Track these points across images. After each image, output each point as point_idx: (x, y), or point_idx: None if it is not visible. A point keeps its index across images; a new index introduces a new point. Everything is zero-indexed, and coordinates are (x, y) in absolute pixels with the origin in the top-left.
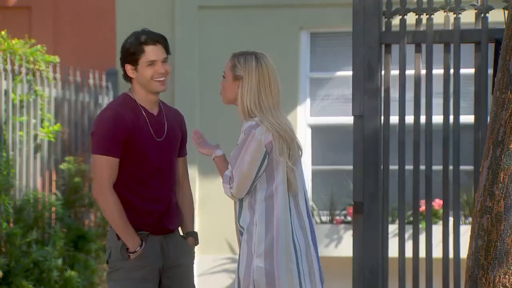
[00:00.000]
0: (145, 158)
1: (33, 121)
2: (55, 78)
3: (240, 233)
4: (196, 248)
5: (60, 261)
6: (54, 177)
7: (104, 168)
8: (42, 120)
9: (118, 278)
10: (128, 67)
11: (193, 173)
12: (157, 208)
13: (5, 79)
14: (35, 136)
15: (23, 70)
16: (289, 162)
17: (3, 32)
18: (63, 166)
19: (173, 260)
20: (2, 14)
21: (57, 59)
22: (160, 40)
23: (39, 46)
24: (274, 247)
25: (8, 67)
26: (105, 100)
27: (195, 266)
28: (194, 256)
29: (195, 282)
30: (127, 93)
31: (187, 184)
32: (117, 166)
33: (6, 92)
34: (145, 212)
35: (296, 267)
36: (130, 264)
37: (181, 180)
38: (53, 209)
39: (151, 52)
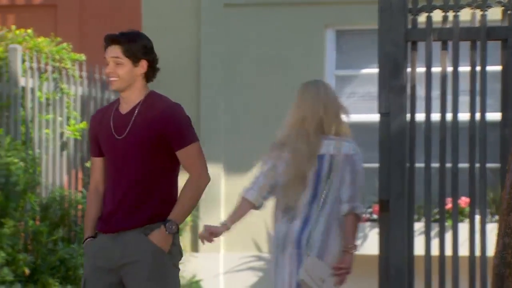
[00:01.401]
0: (107, 157)
1: (59, 119)
2: (81, 76)
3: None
4: (222, 246)
5: None
6: (80, 175)
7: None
8: (68, 118)
9: None
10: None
11: (218, 170)
12: (107, 208)
13: (32, 77)
14: (61, 134)
15: (49, 68)
16: None
17: (29, 31)
18: (88, 164)
19: (119, 259)
20: (28, 13)
21: (83, 57)
22: (116, 40)
23: (65, 44)
24: None
25: (34, 65)
26: None
27: (221, 263)
28: (156, 250)
29: (221, 279)
30: None
31: (190, 175)
32: (99, 164)
33: (33, 90)
34: (101, 210)
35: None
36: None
37: (187, 171)
38: (79, 206)
39: (107, 51)
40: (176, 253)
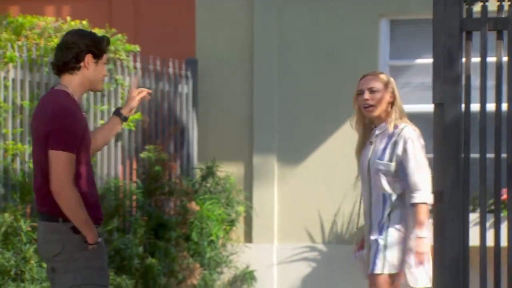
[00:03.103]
0: (87, 152)
1: (113, 110)
2: (135, 67)
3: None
4: (276, 237)
5: (140, 249)
6: (134, 165)
7: (67, 164)
8: None
9: (77, 268)
10: (90, 57)
11: (271, 162)
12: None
13: None
14: None
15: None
16: None
17: (84, 22)
18: (143, 154)
19: None
20: (83, 4)
21: (137, 48)
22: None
23: (119, 36)
24: None
25: None
26: (185, 89)
27: (274, 254)
28: None
29: (274, 270)
30: (62, 88)
31: None
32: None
33: None
34: (98, 204)
35: None
36: (88, 254)
37: None
38: (134, 197)
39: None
40: None
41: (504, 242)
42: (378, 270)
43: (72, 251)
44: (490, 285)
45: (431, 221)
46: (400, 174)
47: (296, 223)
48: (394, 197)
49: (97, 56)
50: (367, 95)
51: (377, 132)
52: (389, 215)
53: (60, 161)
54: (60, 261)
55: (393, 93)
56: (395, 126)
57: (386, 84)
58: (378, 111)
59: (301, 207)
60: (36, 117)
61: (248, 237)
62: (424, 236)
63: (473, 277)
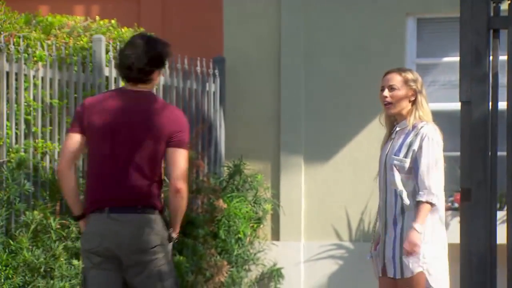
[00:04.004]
0: None
1: None
2: None
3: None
4: (303, 234)
5: None
6: (162, 164)
7: None
8: None
9: (169, 260)
10: (157, 72)
11: (298, 160)
12: None
13: (115, 67)
14: None
15: None
16: None
17: (113, 21)
18: None
19: None
20: (112, 3)
21: None
22: None
23: None
24: None
25: None
26: (212, 87)
27: (301, 252)
28: None
29: (301, 268)
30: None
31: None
32: None
33: (116, 80)
34: None
35: None
36: (170, 245)
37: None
38: (162, 195)
39: None
40: None
41: None
42: (397, 275)
43: (167, 243)
44: None
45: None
46: (413, 171)
47: (323, 220)
48: (405, 195)
49: (162, 68)
50: (386, 92)
51: (397, 129)
52: (402, 214)
53: (185, 159)
54: (159, 252)
55: (415, 91)
56: (415, 124)
57: (407, 82)
58: (396, 109)
59: (328, 204)
60: (139, 119)
61: (275, 235)
62: (420, 231)
63: (500, 275)
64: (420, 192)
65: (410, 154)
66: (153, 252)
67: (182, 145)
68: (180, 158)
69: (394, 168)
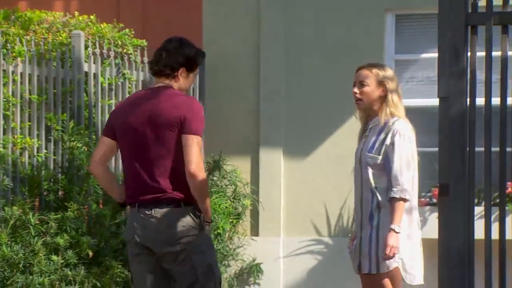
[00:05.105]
0: None
1: None
2: (142, 62)
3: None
4: (282, 230)
5: None
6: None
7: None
8: None
9: (205, 248)
10: (183, 71)
11: (278, 155)
12: None
13: (94, 62)
14: None
15: (112, 54)
16: None
17: (92, 17)
18: None
19: None
20: None
21: (144, 42)
22: None
23: (127, 30)
24: None
25: (97, 51)
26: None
27: (280, 247)
28: None
29: (281, 263)
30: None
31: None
32: None
33: (95, 76)
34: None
35: None
36: (206, 234)
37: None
38: None
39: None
40: None
41: (509, 235)
42: (373, 270)
43: (198, 233)
44: (495, 278)
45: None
46: (386, 167)
47: (302, 216)
48: (380, 192)
49: (190, 70)
50: (356, 88)
51: (370, 125)
52: (378, 210)
53: (197, 144)
54: (189, 243)
55: (385, 87)
56: (386, 120)
57: (378, 78)
58: (366, 105)
59: (308, 200)
60: (154, 114)
61: (255, 230)
62: (398, 231)
63: (478, 270)
64: (393, 189)
65: (382, 150)
66: (182, 243)
67: (192, 131)
68: (190, 143)
69: (368, 165)
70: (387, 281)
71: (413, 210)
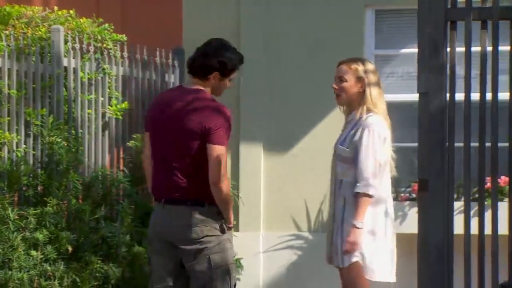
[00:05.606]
0: None
1: (101, 99)
2: (122, 57)
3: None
4: (262, 225)
5: (128, 237)
6: (121, 154)
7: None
8: (109, 98)
9: (223, 248)
10: (216, 75)
11: (258, 150)
12: None
13: (74, 57)
14: (103, 114)
15: (91, 48)
16: None
17: (71, 11)
18: (130, 143)
19: None
20: None
21: (124, 37)
22: None
23: (106, 25)
24: None
25: (77, 45)
26: (172, 78)
27: (260, 242)
28: None
29: (261, 258)
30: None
31: None
32: None
33: (75, 71)
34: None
35: None
36: (226, 235)
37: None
38: (121, 185)
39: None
40: None
41: (488, 230)
42: (340, 263)
43: (219, 234)
44: (474, 273)
45: (414, 209)
46: (354, 162)
47: (282, 211)
48: (345, 186)
49: (225, 75)
50: (335, 83)
51: (348, 119)
52: (344, 206)
53: (221, 153)
54: (208, 243)
55: (363, 82)
56: (361, 115)
57: (356, 74)
58: (344, 100)
59: (287, 195)
60: (180, 116)
61: (235, 226)
62: (359, 227)
63: (457, 265)
64: (357, 184)
65: (352, 144)
66: (201, 242)
67: (215, 141)
68: (213, 153)
69: (340, 159)
70: (353, 275)
71: (379, 206)
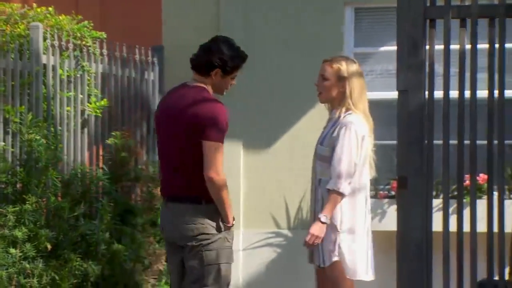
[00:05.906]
0: None
1: (80, 96)
2: (102, 54)
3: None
4: (241, 223)
5: (107, 235)
6: (100, 152)
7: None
8: (89, 96)
9: (219, 246)
10: (218, 72)
11: (237, 147)
12: None
13: (53, 54)
14: (82, 111)
15: (70, 46)
16: None
17: (50, 8)
18: (109, 141)
19: None
20: None
21: (103, 35)
22: None
23: (86, 22)
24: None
25: (56, 42)
26: (151, 76)
27: (240, 240)
28: None
29: (240, 255)
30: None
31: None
32: None
33: (54, 68)
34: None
35: None
36: (222, 234)
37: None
38: (100, 183)
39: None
40: None
41: (467, 228)
42: (321, 263)
43: (215, 233)
44: (453, 270)
45: (393, 206)
46: (330, 160)
47: (261, 209)
48: (323, 185)
49: (227, 73)
50: (317, 82)
51: (330, 117)
52: (322, 204)
53: (215, 150)
54: (204, 240)
55: (344, 82)
56: (340, 114)
57: (338, 72)
58: (325, 98)
59: (267, 193)
60: (180, 113)
61: None
62: (323, 221)
63: (436, 262)
64: (330, 181)
65: (330, 143)
66: (198, 239)
67: (209, 137)
68: (207, 150)
69: (319, 157)
70: (336, 274)
71: (358, 204)
